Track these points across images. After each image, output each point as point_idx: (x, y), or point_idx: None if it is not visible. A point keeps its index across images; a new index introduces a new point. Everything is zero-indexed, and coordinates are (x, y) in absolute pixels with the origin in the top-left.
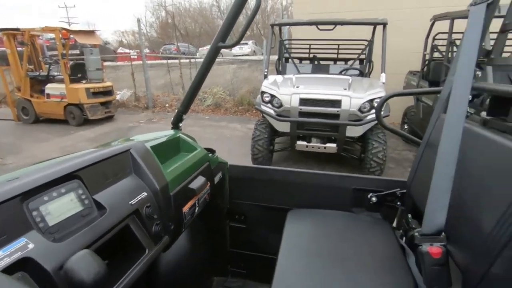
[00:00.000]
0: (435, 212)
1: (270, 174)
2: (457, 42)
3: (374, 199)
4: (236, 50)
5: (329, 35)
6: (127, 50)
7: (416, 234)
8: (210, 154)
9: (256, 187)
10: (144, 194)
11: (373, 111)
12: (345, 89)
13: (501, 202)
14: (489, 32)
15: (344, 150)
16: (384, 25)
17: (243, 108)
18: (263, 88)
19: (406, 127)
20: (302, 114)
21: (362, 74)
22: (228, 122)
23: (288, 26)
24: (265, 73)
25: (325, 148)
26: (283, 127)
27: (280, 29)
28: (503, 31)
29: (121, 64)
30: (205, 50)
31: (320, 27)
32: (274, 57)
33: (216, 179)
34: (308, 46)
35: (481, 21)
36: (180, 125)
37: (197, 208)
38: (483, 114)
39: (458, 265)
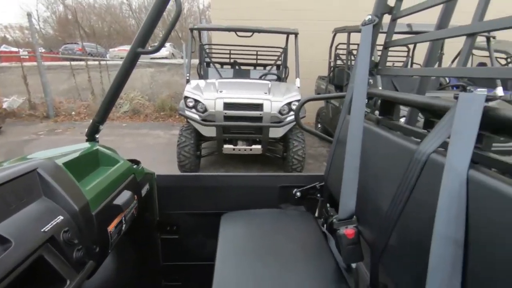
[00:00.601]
0: (347, 200)
1: (200, 180)
2: (354, 52)
3: (298, 194)
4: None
5: (248, 41)
6: (14, 49)
7: (334, 220)
8: (134, 166)
9: (187, 195)
10: (60, 218)
11: (292, 113)
12: (266, 93)
13: (393, 186)
14: (376, 46)
15: (268, 150)
16: (296, 34)
17: (165, 114)
18: (186, 93)
19: (319, 126)
20: (227, 118)
21: (279, 79)
22: (149, 129)
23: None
24: (187, 78)
25: (251, 150)
26: (209, 131)
27: (199, 33)
28: (386, 47)
29: (6, 65)
30: (116, 51)
31: (239, 33)
32: (195, 61)
33: (144, 191)
34: (228, 51)
35: (369, 38)
36: (97, 136)
37: (124, 225)
38: (377, 113)
39: (367, 241)
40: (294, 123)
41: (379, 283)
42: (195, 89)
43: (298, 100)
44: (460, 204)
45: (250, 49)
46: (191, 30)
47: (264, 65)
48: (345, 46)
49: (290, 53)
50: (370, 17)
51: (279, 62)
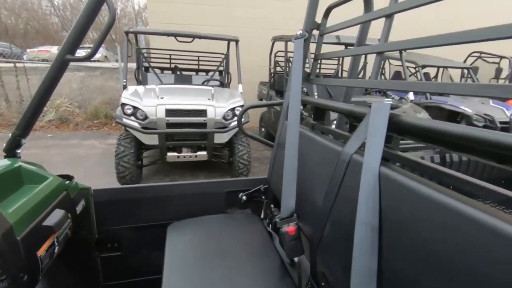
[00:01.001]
0: (288, 199)
1: (142, 191)
2: (291, 60)
3: (244, 197)
4: (83, 54)
5: (188, 46)
6: None
7: (277, 219)
8: (67, 181)
9: (128, 208)
10: None
11: (236, 118)
12: (209, 99)
13: (325, 184)
14: (307, 57)
15: (214, 156)
16: (236, 42)
17: (99, 122)
18: (123, 100)
19: (263, 130)
20: (169, 125)
21: (222, 84)
22: (81, 139)
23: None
24: (124, 84)
25: (196, 156)
26: (150, 140)
27: (136, 37)
28: (315, 59)
29: None
30: (36, 52)
31: (179, 38)
32: (132, 66)
33: (79, 208)
34: (168, 56)
35: (301, 51)
36: (18, 152)
37: (57, 247)
38: (311, 119)
39: (306, 236)
40: (237, 128)
41: (318, 273)
42: (133, 95)
43: (241, 106)
44: (375, 196)
45: (192, 55)
46: (127, 33)
47: (206, 71)
48: (283, 54)
49: (232, 59)
50: (301, 31)
51: (221, 68)
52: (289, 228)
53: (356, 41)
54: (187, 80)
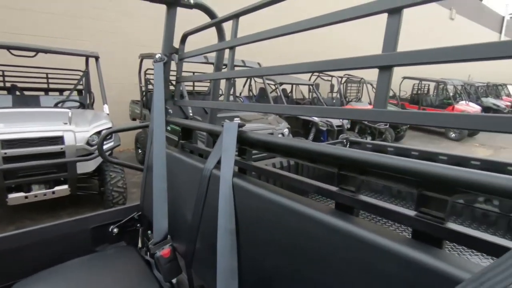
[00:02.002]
0: (160, 222)
1: None
2: None
3: (115, 230)
4: None
5: (31, 62)
6: None
7: (150, 245)
8: None
9: None
10: None
11: (104, 142)
12: (66, 123)
13: (193, 199)
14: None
15: (79, 188)
16: (96, 58)
17: None
18: None
19: (139, 151)
20: (8, 159)
21: (83, 106)
22: None
23: None
24: None
25: (54, 193)
26: None
27: None
28: (177, 82)
29: None
30: None
31: (15, 52)
32: None
33: None
34: (1, 73)
35: (162, 73)
36: None
37: None
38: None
39: (181, 254)
40: (107, 153)
41: (195, 287)
42: None
43: (109, 128)
44: (231, 204)
45: (38, 71)
46: None
47: (61, 90)
48: (154, 71)
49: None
50: (159, 55)
51: (80, 87)
52: (164, 251)
53: (214, 66)
54: (33, 102)
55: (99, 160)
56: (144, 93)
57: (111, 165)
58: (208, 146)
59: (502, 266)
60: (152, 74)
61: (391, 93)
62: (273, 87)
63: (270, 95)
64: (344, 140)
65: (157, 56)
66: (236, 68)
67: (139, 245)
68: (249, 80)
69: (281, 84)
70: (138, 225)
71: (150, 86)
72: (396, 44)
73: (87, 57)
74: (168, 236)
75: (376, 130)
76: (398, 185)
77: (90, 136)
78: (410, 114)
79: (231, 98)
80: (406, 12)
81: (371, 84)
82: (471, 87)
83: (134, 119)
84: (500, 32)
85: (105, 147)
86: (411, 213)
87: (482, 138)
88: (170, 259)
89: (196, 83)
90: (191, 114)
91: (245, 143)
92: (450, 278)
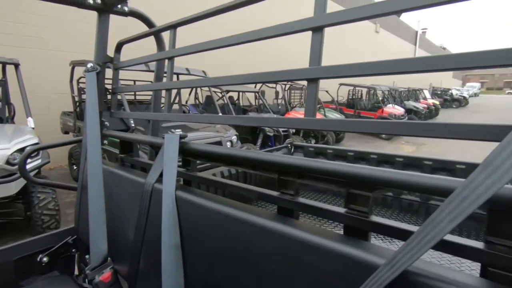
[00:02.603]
0: (99, 244)
1: None
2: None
3: (45, 259)
4: None
5: None
6: None
7: (88, 271)
8: None
9: None
10: None
11: (29, 160)
12: None
13: (135, 216)
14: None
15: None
16: (16, 65)
17: None
18: None
19: (75, 168)
20: None
21: (1, 119)
22: None
23: None
24: None
25: None
26: None
27: None
28: (113, 93)
29: None
30: None
31: None
32: None
33: None
34: None
35: (95, 84)
36: None
37: None
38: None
39: (123, 276)
40: (33, 172)
41: None
42: None
43: (36, 144)
44: (174, 217)
45: None
46: None
47: None
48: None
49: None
50: (92, 65)
51: None
52: (104, 276)
53: (154, 75)
54: None
55: (22, 181)
56: (77, 104)
57: (40, 186)
58: (151, 158)
59: (407, 248)
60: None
61: (330, 99)
62: (220, 95)
63: (217, 102)
64: (289, 145)
65: (88, 66)
66: (181, 77)
67: (76, 272)
68: (195, 88)
69: (227, 92)
70: (73, 250)
71: (84, 96)
72: (320, 58)
73: (4, 64)
74: (109, 258)
75: (319, 133)
76: (331, 186)
77: (11, 154)
78: (335, 122)
79: (177, 106)
80: (338, 26)
81: None
82: (396, 92)
83: (66, 133)
84: (415, 45)
85: (31, 165)
86: (342, 210)
87: (408, 137)
88: (111, 283)
89: (138, 92)
90: (133, 125)
91: (188, 154)
92: (372, 266)
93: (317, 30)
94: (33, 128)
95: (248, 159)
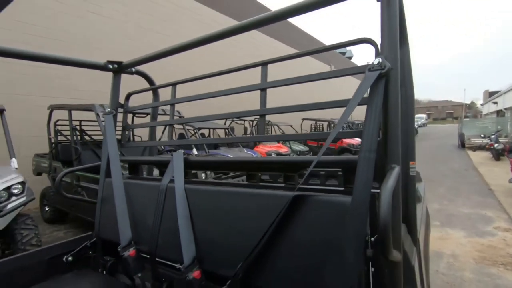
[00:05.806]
0: (124, 231)
1: None
2: (78, 128)
3: (70, 258)
4: None
5: None
6: None
7: (119, 249)
8: None
9: None
10: None
11: (14, 198)
12: None
13: (153, 208)
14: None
15: None
16: (1, 111)
17: None
18: None
19: (47, 209)
20: None
21: None
22: None
23: None
24: None
25: None
26: None
27: None
28: (123, 129)
29: None
30: None
31: None
32: None
33: None
34: None
35: (112, 124)
36: None
37: None
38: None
39: (145, 252)
40: (19, 209)
41: (159, 273)
42: None
43: (21, 182)
44: (185, 204)
45: None
46: None
47: None
48: (65, 122)
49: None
50: (108, 109)
51: None
52: (131, 252)
53: (150, 116)
54: None
55: (8, 218)
56: (54, 145)
57: (23, 222)
58: (149, 174)
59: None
60: (63, 125)
61: (294, 132)
62: (193, 132)
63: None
64: None
65: (106, 110)
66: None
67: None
68: (168, 126)
69: (199, 129)
70: (90, 252)
71: (61, 137)
72: (265, 103)
73: None
74: (132, 241)
75: None
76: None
77: None
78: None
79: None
80: (294, 67)
81: (278, 126)
82: (353, 124)
83: (39, 174)
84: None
85: (15, 203)
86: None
87: None
88: (136, 258)
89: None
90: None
91: (190, 166)
92: (286, 197)
93: (263, 90)
94: (16, 168)
95: (232, 162)
